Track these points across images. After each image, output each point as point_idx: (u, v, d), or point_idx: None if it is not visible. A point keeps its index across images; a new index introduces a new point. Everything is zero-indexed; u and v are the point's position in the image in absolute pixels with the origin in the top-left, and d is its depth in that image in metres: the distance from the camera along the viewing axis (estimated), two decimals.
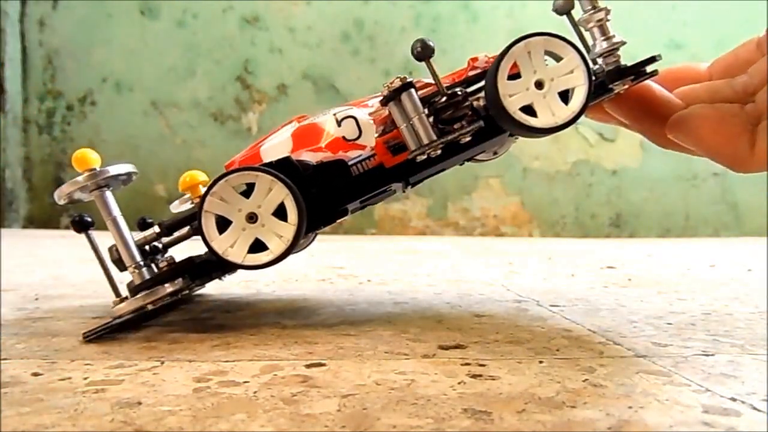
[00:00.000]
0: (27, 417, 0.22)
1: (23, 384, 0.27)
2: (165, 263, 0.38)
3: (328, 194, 0.37)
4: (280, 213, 0.36)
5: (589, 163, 1.63)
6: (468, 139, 0.36)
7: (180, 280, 0.37)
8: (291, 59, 1.60)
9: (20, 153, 1.59)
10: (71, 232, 0.41)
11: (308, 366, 0.29)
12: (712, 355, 0.32)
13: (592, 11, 0.36)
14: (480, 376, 0.28)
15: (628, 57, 0.38)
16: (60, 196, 0.38)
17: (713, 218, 1.64)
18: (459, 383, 0.27)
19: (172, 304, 0.45)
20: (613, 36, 0.36)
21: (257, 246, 0.36)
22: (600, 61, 0.37)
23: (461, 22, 1.60)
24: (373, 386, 0.26)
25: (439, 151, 0.36)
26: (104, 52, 1.59)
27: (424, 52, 0.36)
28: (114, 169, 0.38)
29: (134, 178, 0.41)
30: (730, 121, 0.30)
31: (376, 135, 0.38)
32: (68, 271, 0.67)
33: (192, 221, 0.40)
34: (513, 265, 0.78)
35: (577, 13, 0.37)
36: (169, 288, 0.36)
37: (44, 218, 1.56)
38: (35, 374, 0.28)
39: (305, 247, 0.50)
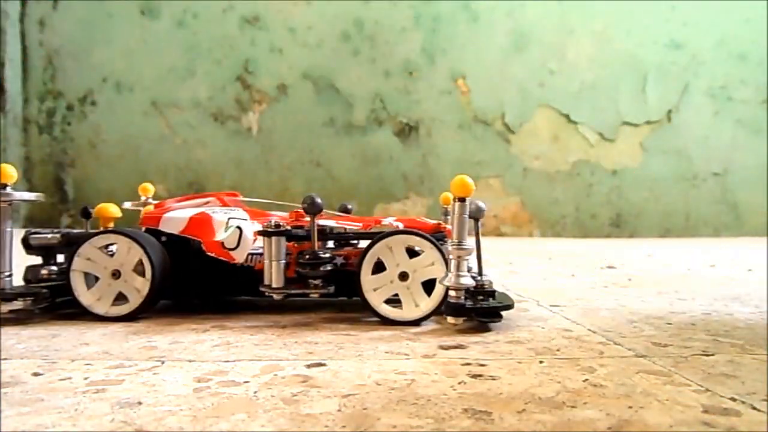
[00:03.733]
0: (27, 417, 0.22)
1: (23, 384, 0.26)
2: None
3: (181, 265, 0.43)
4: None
5: (589, 163, 1.63)
6: (315, 295, 0.41)
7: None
8: (291, 59, 1.60)
9: (20, 153, 1.59)
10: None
11: (308, 366, 0.29)
12: (712, 355, 0.32)
13: None
14: (480, 376, 0.28)
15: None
16: None
17: (713, 218, 1.64)
18: (459, 383, 0.27)
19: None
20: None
21: (119, 297, 0.41)
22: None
23: (461, 22, 1.60)
24: (373, 386, 0.26)
25: (279, 297, 0.41)
26: (104, 52, 1.59)
27: (312, 209, 0.40)
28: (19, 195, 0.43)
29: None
30: None
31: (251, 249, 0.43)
32: None
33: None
34: (513, 265, 0.78)
35: None
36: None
37: (44, 218, 1.56)
38: (35, 374, 0.28)
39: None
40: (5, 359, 0.31)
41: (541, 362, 0.30)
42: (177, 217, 0.43)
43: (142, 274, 0.40)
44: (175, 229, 0.42)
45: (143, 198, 0.53)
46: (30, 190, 1.58)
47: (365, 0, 1.60)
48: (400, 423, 0.22)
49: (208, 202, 0.48)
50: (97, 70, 1.59)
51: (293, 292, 0.40)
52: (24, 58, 1.59)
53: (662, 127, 1.63)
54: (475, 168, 1.61)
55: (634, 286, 0.59)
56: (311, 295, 0.41)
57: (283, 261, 0.40)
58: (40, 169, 1.59)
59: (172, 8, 1.58)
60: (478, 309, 0.38)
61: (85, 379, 0.27)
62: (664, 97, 1.62)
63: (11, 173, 0.40)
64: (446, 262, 0.38)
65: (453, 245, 0.37)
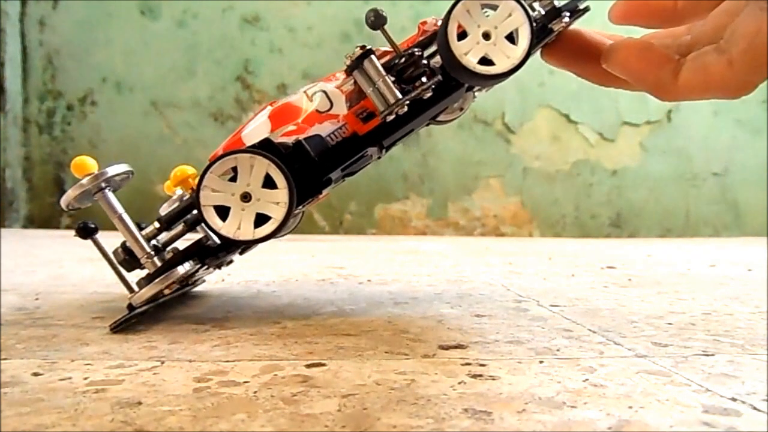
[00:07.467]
0: (27, 417, 0.22)
1: (23, 384, 0.26)
2: (171, 253, 0.40)
3: (310, 167, 0.39)
4: (270, 184, 0.38)
5: (589, 163, 1.63)
6: (430, 94, 0.39)
7: (191, 262, 0.40)
8: (291, 59, 1.60)
9: (20, 153, 1.59)
10: (71, 232, 0.42)
11: (308, 366, 0.29)
12: (712, 355, 0.32)
13: None
14: (480, 376, 0.28)
15: None
16: (66, 202, 0.40)
17: (713, 218, 1.63)
18: (459, 383, 0.27)
19: (185, 293, 0.47)
20: None
21: (261, 220, 0.38)
22: (537, 6, 0.39)
23: None
24: (373, 386, 0.26)
25: (405, 109, 0.38)
26: (104, 52, 1.59)
27: (377, 21, 0.38)
28: (112, 170, 0.40)
29: (131, 176, 0.43)
30: (655, 50, 0.31)
31: (347, 105, 0.41)
32: (68, 271, 0.67)
33: (184, 216, 0.42)
34: (513, 265, 0.78)
35: None
36: (181, 270, 0.39)
37: (44, 218, 1.56)
38: (35, 374, 0.28)
39: (295, 226, 0.51)
40: (5, 359, 0.31)
41: (541, 362, 0.30)
42: (257, 124, 0.40)
43: (273, 187, 0.37)
44: (264, 133, 0.39)
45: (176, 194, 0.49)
46: (30, 190, 1.58)
47: (365, 0, 1.60)
48: (400, 423, 0.22)
49: (264, 108, 0.44)
50: (97, 70, 1.59)
51: (409, 97, 0.38)
52: (24, 58, 1.59)
53: (662, 126, 1.63)
54: (475, 168, 1.61)
55: (634, 286, 0.59)
56: (425, 96, 0.38)
57: (389, 78, 0.37)
58: (40, 169, 1.58)
59: (172, 8, 1.58)
60: None
61: (85, 379, 0.27)
62: None
63: (91, 163, 0.40)
64: (524, 8, 0.37)
65: None
